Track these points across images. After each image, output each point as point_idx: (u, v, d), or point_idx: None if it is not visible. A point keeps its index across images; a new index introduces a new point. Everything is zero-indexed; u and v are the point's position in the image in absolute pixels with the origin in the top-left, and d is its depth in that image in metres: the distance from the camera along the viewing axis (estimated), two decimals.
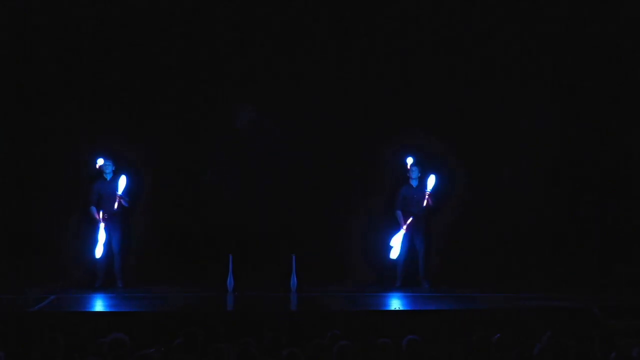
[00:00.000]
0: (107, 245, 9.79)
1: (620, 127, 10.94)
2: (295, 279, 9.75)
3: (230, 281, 9.70)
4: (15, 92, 10.70)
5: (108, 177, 9.88)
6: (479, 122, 10.91)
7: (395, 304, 9.39)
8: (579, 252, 10.76)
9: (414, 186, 10.14)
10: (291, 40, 10.95)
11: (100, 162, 9.88)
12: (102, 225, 9.70)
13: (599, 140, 10.96)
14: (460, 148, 10.79)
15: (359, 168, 11.04)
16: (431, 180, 10.05)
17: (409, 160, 10.17)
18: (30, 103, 10.71)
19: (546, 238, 10.89)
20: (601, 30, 10.86)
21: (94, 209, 9.78)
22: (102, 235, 9.71)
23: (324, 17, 10.97)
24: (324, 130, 11.00)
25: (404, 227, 10.00)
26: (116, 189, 9.82)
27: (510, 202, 10.94)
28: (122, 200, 9.78)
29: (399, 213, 10.10)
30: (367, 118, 10.99)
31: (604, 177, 11.01)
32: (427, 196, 10.00)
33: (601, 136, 10.96)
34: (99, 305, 8.99)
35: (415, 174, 10.12)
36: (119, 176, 9.86)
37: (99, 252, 9.70)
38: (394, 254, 10.00)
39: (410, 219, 10.01)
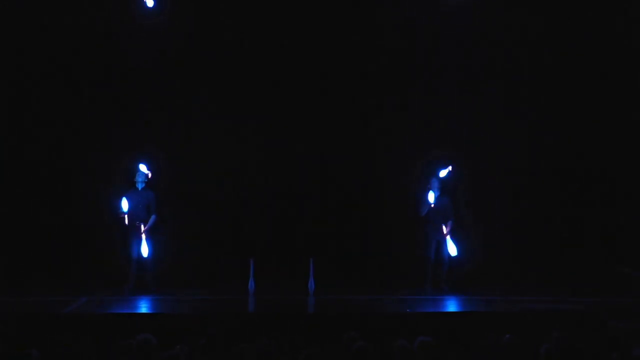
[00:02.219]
0: (138, 251, 9.92)
1: (621, 126, 10.96)
2: (313, 282, 9.91)
3: (251, 284, 9.86)
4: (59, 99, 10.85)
5: (139, 186, 10.05)
6: (479, 124, 11.00)
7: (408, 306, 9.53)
8: (584, 255, 10.78)
9: (436, 196, 10.27)
10: (312, 43, 11.04)
11: (143, 169, 10.03)
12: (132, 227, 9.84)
13: (601, 140, 10.99)
14: (466, 151, 10.87)
15: (378, 172, 11.10)
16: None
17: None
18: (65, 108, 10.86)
19: (553, 242, 10.94)
20: (595, 32, 10.89)
21: (121, 213, 9.85)
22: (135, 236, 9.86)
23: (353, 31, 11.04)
24: (343, 132, 11.10)
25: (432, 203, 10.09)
26: (145, 200, 9.99)
27: (518, 206, 11.02)
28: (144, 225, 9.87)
29: (425, 209, 10.17)
30: (386, 121, 11.08)
31: (609, 179, 11.04)
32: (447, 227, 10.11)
33: (602, 136, 10.99)
34: (127, 307, 9.11)
35: (435, 185, 10.28)
36: (149, 190, 10.03)
37: (141, 251, 9.83)
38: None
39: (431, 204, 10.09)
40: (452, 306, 9.36)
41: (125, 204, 9.84)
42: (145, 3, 10.32)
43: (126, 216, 9.84)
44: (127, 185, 10.17)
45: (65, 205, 10.78)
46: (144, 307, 9.11)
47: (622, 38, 10.88)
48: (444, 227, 10.16)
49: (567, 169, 11.12)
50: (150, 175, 10.12)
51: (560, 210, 11.05)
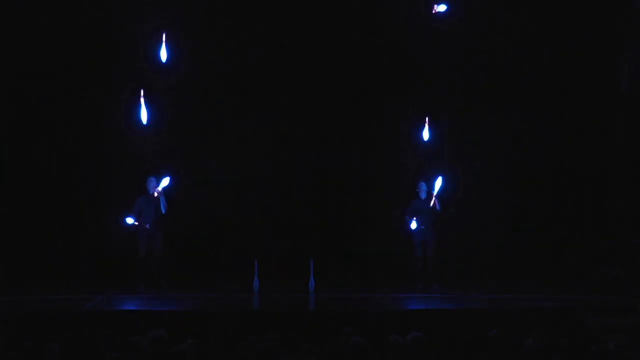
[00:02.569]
0: (149, 252, 10.12)
1: (612, 129, 11.11)
2: (313, 281, 10.15)
3: (256, 283, 10.10)
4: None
5: (151, 191, 10.20)
6: (478, 123, 11.13)
7: None
8: (565, 256, 10.97)
9: (423, 199, 10.58)
10: (312, 43, 11.14)
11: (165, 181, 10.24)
12: (142, 229, 10.05)
13: (589, 143, 11.10)
14: (465, 151, 11.07)
15: (378, 172, 11.23)
16: (438, 183, 10.41)
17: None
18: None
19: (538, 245, 11.07)
20: (594, 32, 11.01)
21: (131, 218, 10.09)
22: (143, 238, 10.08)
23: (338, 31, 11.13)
24: (343, 132, 11.22)
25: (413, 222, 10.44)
26: (155, 203, 10.14)
27: (516, 206, 11.15)
28: (160, 197, 10.01)
29: (407, 218, 10.55)
30: (388, 122, 11.20)
31: (587, 182, 11.16)
32: (433, 197, 10.38)
33: (591, 139, 11.10)
34: (140, 304, 9.35)
35: (423, 188, 10.58)
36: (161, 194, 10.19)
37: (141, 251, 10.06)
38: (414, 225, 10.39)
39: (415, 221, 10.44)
40: (442, 303, 9.57)
41: (130, 221, 10.07)
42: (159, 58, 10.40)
43: (135, 220, 10.09)
44: (140, 192, 10.30)
45: (69, 205, 10.90)
46: (155, 305, 9.29)
47: (622, 38, 11.01)
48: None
49: (567, 169, 11.24)
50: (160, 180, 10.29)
51: (559, 210, 11.19)
